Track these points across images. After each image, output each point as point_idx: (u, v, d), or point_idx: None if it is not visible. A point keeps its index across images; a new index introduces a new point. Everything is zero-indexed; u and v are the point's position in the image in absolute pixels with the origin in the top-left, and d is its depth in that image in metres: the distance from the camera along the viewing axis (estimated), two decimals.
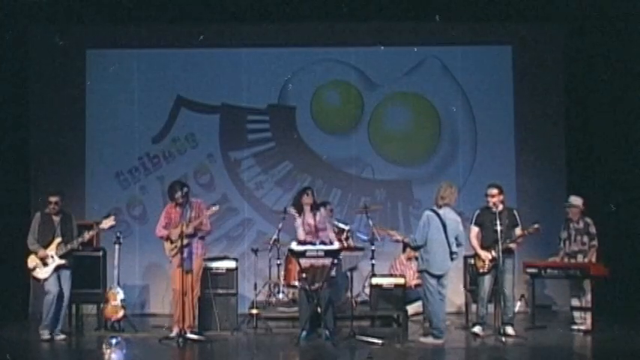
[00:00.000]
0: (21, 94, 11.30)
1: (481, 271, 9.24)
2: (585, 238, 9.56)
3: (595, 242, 9.53)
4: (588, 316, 9.44)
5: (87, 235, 9.14)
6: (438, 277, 8.78)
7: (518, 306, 10.39)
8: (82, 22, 11.30)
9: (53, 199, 9.13)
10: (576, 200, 9.62)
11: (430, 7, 11.01)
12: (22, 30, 11.27)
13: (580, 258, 9.53)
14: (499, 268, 9.07)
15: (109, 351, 8.62)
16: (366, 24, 11.47)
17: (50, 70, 11.49)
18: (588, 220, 9.62)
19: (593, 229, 9.56)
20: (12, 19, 10.81)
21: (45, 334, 9.02)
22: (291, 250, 9.04)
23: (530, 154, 11.59)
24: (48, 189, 9.38)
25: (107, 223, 9.17)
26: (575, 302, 9.63)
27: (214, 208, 9.08)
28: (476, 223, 9.33)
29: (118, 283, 9.79)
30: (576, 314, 9.64)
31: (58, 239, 9.08)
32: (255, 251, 10.58)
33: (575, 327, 9.55)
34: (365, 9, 11.04)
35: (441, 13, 11.08)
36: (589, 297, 9.41)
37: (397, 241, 9.79)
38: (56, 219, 9.18)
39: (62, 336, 9.07)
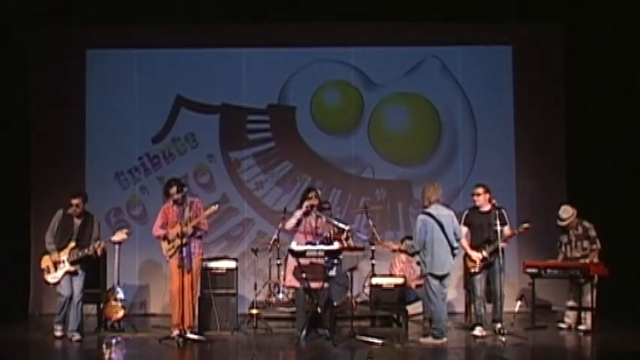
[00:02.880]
0: (21, 94, 11.30)
1: (472, 271, 9.27)
2: (586, 243, 9.53)
3: (596, 245, 9.50)
4: (588, 316, 9.43)
5: (98, 248, 9.02)
6: (441, 278, 8.79)
7: (518, 306, 10.38)
8: (82, 22, 11.29)
9: (75, 201, 9.01)
10: (566, 212, 9.55)
11: (430, 7, 11.00)
12: (22, 30, 11.27)
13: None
14: (492, 267, 9.09)
15: (109, 351, 8.62)
16: (366, 24, 11.46)
17: (50, 70, 11.49)
18: (586, 224, 9.58)
19: (592, 233, 9.53)
20: (12, 19, 10.81)
21: (58, 331, 9.05)
22: (291, 250, 9.03)
23: (530, 154, 11.58)
24: (71, 190, 9.29)
25: (119, 236, 9.07)
26: (570, 303, 9.64)
27: (213, 208, 9.02)
28: (465, 224, 9.34)
29: (118, 283, 9.79)
30: (569, 313, 9.64)
31: (72, 244, 9.00)
32: (255, 251, 10.57)
33: (562, 325, 9.58)
34: (365, 9, 11.02)
35: (441, 13, 11.08)
36: (589, 297, 9.40)
37: (394, 250, 9.82)
38: (77, 222, 9.08)
39: (77, 336, 9.01)
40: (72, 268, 8.98)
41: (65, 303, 9.00)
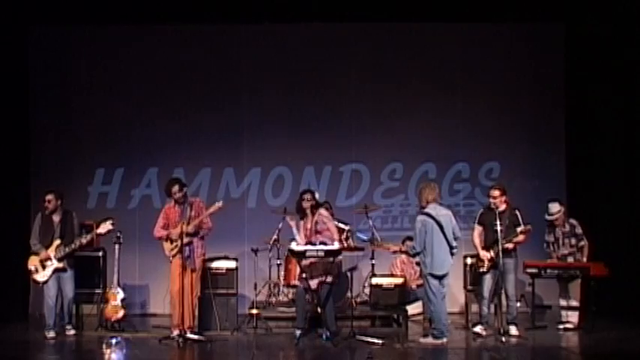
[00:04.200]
0: (21, 93, 11.29)
1: (481, 270, 9.30)
2: (573, 240, 9.54)
3: (583, 242, 9.51)
4: (576, 314, 9.48)
5: (84, 240, 9.15)
6: (440, 278, 8.79)
7: (518, 306, 10.34)
8: (82, 22, 11.28)
9: (47, 197, 9.19)
10: (555, 207, 9.54)
11: (430, 7, 11.00)
12: (22, 30, 11.26)
13: (570, 260, 9.52)
14: (499, 268, 9.09)
15: (109, 351, 8.63)
16: (364, 24, 11.45)
17: (50, 70, 11.48)
18: (573, 221, 9.60)
19: (579, 230, 9.54)
20: (12, 19, 10.80)
21: (50, 334, 9.14)
22: (291, 250, 9.04)
23: (530, 154, 11.58)
24: (45, 189, 9.41)
25: (104, 228, 9.18)
26: (562, 302, 9.66)
27: (218, 205, 9.03)
28: (479, 223, 9.38)
29: (118, 283, 9.79)
30: (563, 313, 9.66)
31: (57, 241, 9.13)
32: (255, 251, 10.55)
33: (561, 326, 9.58)
34: (363, 9, 11.01)
35: (441, 13, 11.07)
36: (578, 295, 9.43)
37: (395, 252, 9.81)
38: (56, 219, 9.21)
39: (72, 331, 9.23)
40: (60, 265, 9.11)
41: (53, 306, 9.12)
